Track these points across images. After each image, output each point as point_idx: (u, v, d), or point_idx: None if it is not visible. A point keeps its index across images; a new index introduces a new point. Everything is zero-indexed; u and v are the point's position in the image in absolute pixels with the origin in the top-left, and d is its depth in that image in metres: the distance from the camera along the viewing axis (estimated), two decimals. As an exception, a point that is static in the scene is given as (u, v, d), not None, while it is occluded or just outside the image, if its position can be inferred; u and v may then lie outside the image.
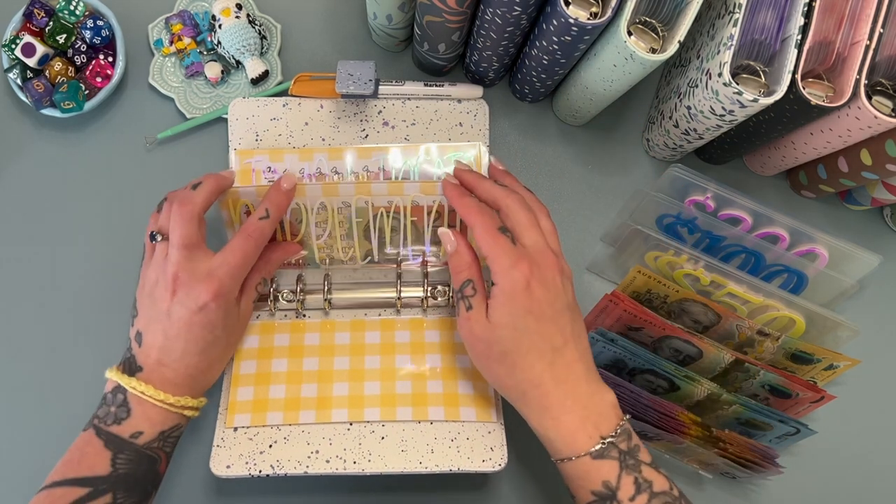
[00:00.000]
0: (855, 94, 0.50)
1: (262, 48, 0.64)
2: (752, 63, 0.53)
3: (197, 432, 0.58)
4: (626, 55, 0.50)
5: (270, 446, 0.53)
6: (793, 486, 0.61)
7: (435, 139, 0.61)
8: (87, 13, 0.61)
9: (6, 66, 0.60)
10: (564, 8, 0.48)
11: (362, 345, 0.57)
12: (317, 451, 0.53)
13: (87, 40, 0.61)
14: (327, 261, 0.59)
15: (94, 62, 0.61)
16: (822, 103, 0.50)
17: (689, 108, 0.56)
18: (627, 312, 0.56)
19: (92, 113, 0.63)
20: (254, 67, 0.63)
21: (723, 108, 0.52)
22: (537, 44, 0.55)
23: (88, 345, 0.60)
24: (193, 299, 0.48)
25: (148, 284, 0.50)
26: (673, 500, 0.45)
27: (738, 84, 0.50)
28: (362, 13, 0.67)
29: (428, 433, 0.54)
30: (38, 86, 0.60)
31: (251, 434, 0.54)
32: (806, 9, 0.50)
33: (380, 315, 0.58)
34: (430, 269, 0.59)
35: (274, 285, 0.57)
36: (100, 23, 0.61)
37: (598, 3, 0.51)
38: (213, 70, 0.63)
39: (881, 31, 0.51)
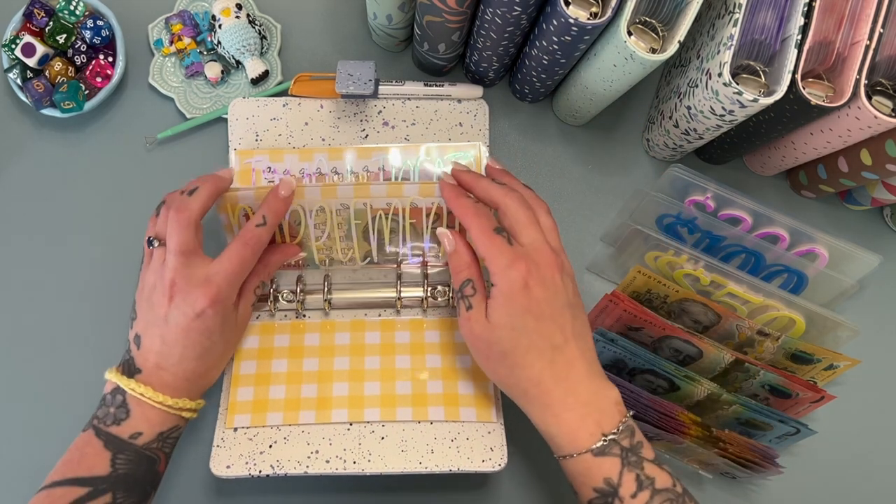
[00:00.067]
0: (855, 94, 0.50)
1: (262, 48, 0.64)
2: (752, 63, 0.53)
3: (196, 432, 0.58)
4: (626, 55, 0.50)
5: (270, 446, 0.53)
6: (793, 486, 0.61)
7: (435, 139, 0.61)
8: (87, 13, 0.61)
9: (6, 66, 0.60)
10: (564, 8, 0.48)
11: (362, 345, 0.57)
12: (317, 452, 0.53)
13: (87, 40, 0.61)
14: (327, 262, 0.59)
15: (94, 62, 0.61)
16: (822, 103, 0.50)
17: (689, 108, 0.56)
18: (627, 312, 0.56)
19: (92, 113, 0.63)
20: (254, 67, 0.63)
21: (723, 108, 0.52)
22: (537, 44, 0.55)
23: (88, 344, 0.60)
24: (191, 306, 0.48)
25: (146, 289, 0.50)
26: (676, 497, 0.45)
27: (738, 84, 0.50)
28: (362, 13, 0.67)
29: (428, 433, 0.54)
30: (38, 86, 0.60)
31: (251, 434, 0.54)
32: (806, 9, 0.50)
33: (380, 315, 0.58)
34: (430, 270, 0.59)
35: (274, 286, 0.57)
36: (100, 23, 0.61)
37: (598, 3, 0.51)
38: (213, 70, 0.63)
39: (881, 31, 0.51)
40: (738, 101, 0.50)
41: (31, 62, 0.59)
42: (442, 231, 0.52)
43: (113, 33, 0.62)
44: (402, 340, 0.57)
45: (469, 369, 0.56)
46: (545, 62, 0.56)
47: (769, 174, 0.67)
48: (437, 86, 0.61)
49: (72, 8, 0.60)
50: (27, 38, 0.59)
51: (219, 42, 0.62)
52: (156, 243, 0.50)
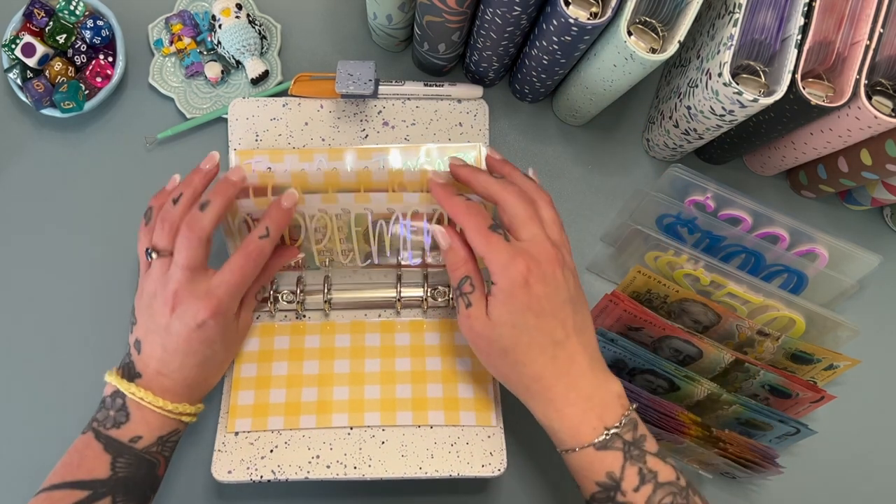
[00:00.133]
0: (855, 94, 0.50)
1: (262, 48, 0.64)
2: (752, 63, 0.53)
3: (197, 435, 0.58)
4: (626, 55, 0.50)
5: (271, 451, 0.53)
6: (793, 486, 0.61)
7: (435, 139, 0.61)
8: (87, 13, 0.61)
9: (6, 66, 0.60)
10: (564, 8, 0.48)
11: (362, 347, 0.57)
12: (317, 456, 0.53)
13: (87, 40, 0.61)
14: (327, 262, 0.59)
15: (94, 62, 0.61)
16: (822, 103, 0.50)
17: (689, 108, 0.56)
18: (627, 312, 0.56)
19: (92, 113, 0.63)
20: (254, 67, 0.63)
21: (723, 108, 0.52)
22: (537, 44, 0.55)
23: (88, 344, 0.60)
24: (192, 316, 0.48)
25: (146, 296, 0.49)
26: (679, 491, 0.45)
27: (738, 84, 0.50)
28: (362, 13, 0.67)
29: (428, 438, 0.54)
30: (38, 86, 0.60)
31: (252, 439, 0.54)
32: (806, 9, 0.50)
33: (379, 316, 0.58)
34: (430, 271, 0.59)
35: (273, 287, 0.57)
36: (100, 23, 0.61)
37: (598, 3, 0.51)
38: (213, 70, 0.63)
39: (881, 31, 0.51)
40: (738, 101, 0.50)
41: (31, 62, 0.59)
42: (436, 228, 0.51)
43: (113, 33, 0.62)
44: (403, 342, 0.57)
45: (469, 372, 0.56)
46: (545, 62, 0.56)
47: (769, 174, 0.67)
48: (437, 86, 0.61)
49: (72, 8, 0.60)
50: (27, 38, 0.59)
51: (219, 42, 0.62)
52: (154, 255, 0.49)
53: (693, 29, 0.53)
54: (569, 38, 0.51)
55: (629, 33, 0.50)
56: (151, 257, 0.49)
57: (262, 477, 0.52)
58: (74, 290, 0.61)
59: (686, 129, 0.58)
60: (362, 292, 0.58)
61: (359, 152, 0.59)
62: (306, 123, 0.61)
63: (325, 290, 0.57)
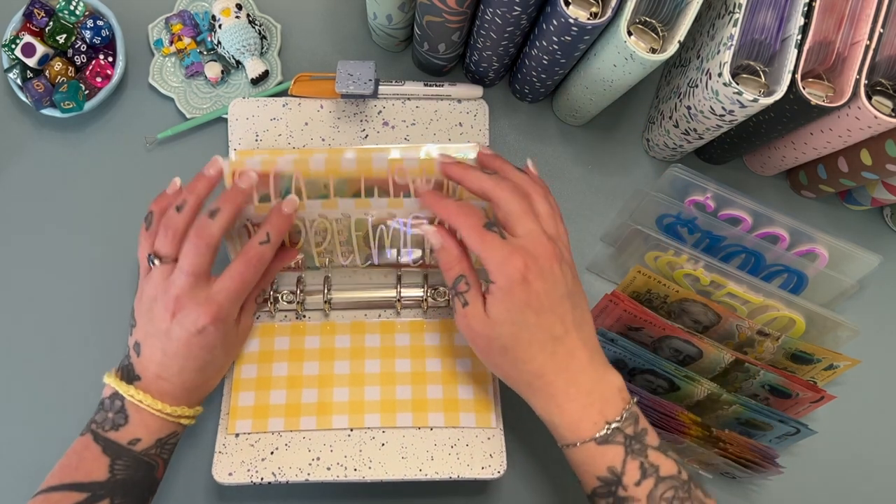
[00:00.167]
0: (855, 94, 0.50)
1: (262, 48, 0.64)
2: (752, 63, 0.53)
3: (197, 437, 0.58)
4: (626, 55, 0.50)
5: (272, 453, 0.53)
6: (793, 486, 0.61)
7: (435, 139, 0.61)
8: (87, 13, 0.61)
9: (6, 66, 0.60)
10: (564, 8, 0.48)
11: (362, 348, 0.57)
12: (318, 458, 0.53)
13: (87, 40, 0.61)
14: (327, 262, 0.59)
15: (94, 62, 0.61)
16: (822, 103, 0.50)
17: (689, 108, 0.56)
18: (627, 312, 0.56)
19: (92, 113, 0.63)
20: (254, 67, 0.63)
21: (723, 108, 0.52)
22: (537, 44, 0.55)
23: (88, 344, 0.60)
24: (192, 322, 0.47)
25: (146, 300, 0.49)
26: (681, 485, 0.45)
27: (738, 84, 0.50)
28: (362, 13, 0.67)
29: (428, 439, 0.54)
30: (38, 86, 0.60)
31: (252, 440, 0.54)
32: (806, 9, 0.50)
33: (379, 316, 0.58)
34: (430, 271, 0.59)
35: (273, 287, 0.57)
36: (100, 23, 0.61)
37: (598, 3, 0.51)
38: (213, 70, 0.63)
39: (881, 31, 0.51)
40: (738, 101, 0.50)
41: (31, 62, 0.59)
42: (427, 228, 0.50)
43: (113, 33, 0.62)
44: (403, 343, 0.57)
45: (469, 373, 0.56)
46: (545, 62, 0.56)
47: (769, 174, 0.67)
48: (437, 86, 0.61)
49: (72, 8, 0.60)
50: (27, 38, 0.59)
51: (219, 42, 0.62)
52: (157, 262, 0.49)
53: (693, 29, 0.53)
54: (569, 38, 0.51)
55: (629, 33, 0.50)
56: (154, 263, 0.49)
57: (262, 479, 0.52)
58: (74, 290, 0.61)
59: (686, 129, 0.58)
60: (362, 292, 0.58)
61: (359, 152, 0.59)
62: (306, 123, 0.61)
63: (325, 291, 0.57)
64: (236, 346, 0.55)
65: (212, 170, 0.52)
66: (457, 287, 0.48)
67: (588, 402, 0.46)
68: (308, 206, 0.54)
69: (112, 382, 0.48)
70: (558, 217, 0.50)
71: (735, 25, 0.49)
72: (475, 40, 0.58)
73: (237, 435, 0.54)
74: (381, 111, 0.62)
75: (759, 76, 0.53)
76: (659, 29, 0.52)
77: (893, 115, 0.51)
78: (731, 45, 0.49)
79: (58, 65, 0.60)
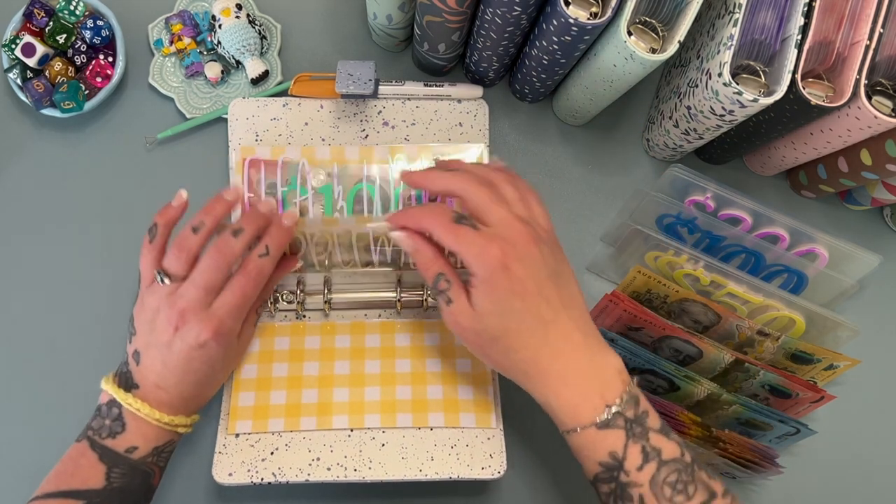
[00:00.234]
0: (855, 94, 0.50)
1: (262, 48, 0.64)
2: (752, 63, 0.53)
3: (196, 438, 0.58)
4: (626, 55, 0.50)
5: (272, 453, 0.53)
6: (793, 486, 0.61)
7: (435, 139, 0.61)
8: (87, 13, 0.61)
9: (6, 66, 0.60)
10: (564, 8, 0.48)
11: (362, 348, 0.57)
12: (318, 459, 0.53)
13: (87, 40, 0.61)
14: (326, 263, 0.59)
15: (94, 62, 0.61)
16: (822, 103, 0.50)
17: (689, 108, 0.56)
18: (627, 312, 0.56)
19: (92, 113, 0.63)
20: (254, 67, 0.63)
21: (723, 108, 0.52)
22: (537, 44, 0.55)
23: (88, 344, 0.60)
24: (194, 337, 0.47)
25: (148, 310, 0.49)
26: (684, 468, 0.44)
27: (738, 84, 0.50)
28: (362, 13, 0.67)
29: (428, 440, 0.54)
30: (38, 86, 0.60)
31: (252, 441, 0.54)
32: (806, 9, 0.50)
33: (379, 317, 0.58)
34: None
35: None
36: (100, 23, 0.61)
37: (598, 3, 0.51)
38: (213, 70, 0.63)
39: (881, 31, 0.51)
40: (738, 101, 0.50)
41: (31, 62, 0.59)
42: (397, 234, 0.49)
43: (113, 33, 0.62)
44: (403, 343, 0.57)
45: (469, 374, 0.56)
46: (545, 62, 0.56)
47: (769, 174, 0.67)
48: (437, 86, 0.61)
49: (72, 8, 0.60)
50: (27, 38, 0.59)
51: (219, 42, 0.62)
52: (167, 280, 0.49)
53: (693, 29, 0.53)
54: (569, 38, 0.51)
55: (629, 33, 0.50)
56: (164, 281, 0.49)
57: (262, 479, 0.52)
58: (74, 291, 0.61)
59: (686, 129, 0.58)
60: (362, 293, 0.58)
61: (360, 151, 0.59)
62: (306, 123, 0.61)
63: (326, 291, 0.57)
64: (237, 358, 0.55)
65: (232, 196, 0.52)
66: (437, 286, 0.47)
67: (586, 386, 0.45)
68: (309, 223, 0.54)
69: (110, 389, 0.48)
70: (531, 198, 0.49)
71: (735, 25, 0.49)
72: (475, 40, 0.58)
73: (237, 435, 0.54)
74: (381, 111, 0.62)
75: (759, 76, 0.53)
76: (659, 29, 0.52)
77: (893, 115, 0.51)
78: (731, 45, 0.49)
79: (58, 65, 0.60)
